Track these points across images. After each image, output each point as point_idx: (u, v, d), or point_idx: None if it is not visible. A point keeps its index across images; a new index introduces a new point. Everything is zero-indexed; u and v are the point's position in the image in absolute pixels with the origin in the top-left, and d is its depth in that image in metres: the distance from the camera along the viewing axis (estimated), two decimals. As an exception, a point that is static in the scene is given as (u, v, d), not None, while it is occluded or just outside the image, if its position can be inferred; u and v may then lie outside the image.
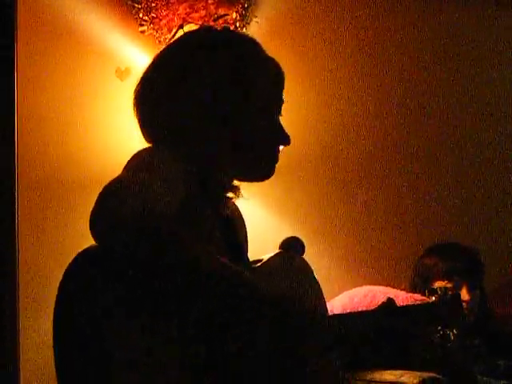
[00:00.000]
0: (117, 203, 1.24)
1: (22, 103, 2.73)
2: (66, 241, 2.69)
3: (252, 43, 1.57)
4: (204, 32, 1.66)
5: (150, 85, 1.53)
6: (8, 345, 2.62)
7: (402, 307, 1.69)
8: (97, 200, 1.26)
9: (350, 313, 1.63)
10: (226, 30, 1.66)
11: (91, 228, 1.25)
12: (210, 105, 1.48)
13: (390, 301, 1.65)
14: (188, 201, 1.36)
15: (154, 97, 1.52)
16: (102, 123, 2.85)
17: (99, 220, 1.25)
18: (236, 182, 1.59)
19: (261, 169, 1.57)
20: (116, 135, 2.82)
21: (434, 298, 1.76)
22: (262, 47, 1.57)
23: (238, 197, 1.59)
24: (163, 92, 1.50)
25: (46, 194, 2.75)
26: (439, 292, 1.75)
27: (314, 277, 1.59)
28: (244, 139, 1.52)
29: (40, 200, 2.74)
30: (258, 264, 1.52)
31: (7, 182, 2.67)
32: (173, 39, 2.81)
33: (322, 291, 1.59)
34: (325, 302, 1.60)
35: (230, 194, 1.59)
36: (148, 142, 1.54)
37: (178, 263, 1.24)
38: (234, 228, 1.60)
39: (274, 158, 1.57)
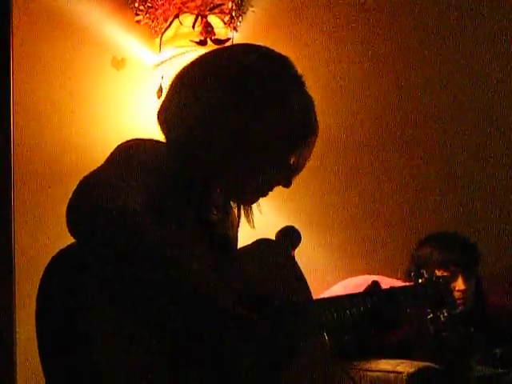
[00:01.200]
0: (93, 196, 1.26)
1: (18, 93, 2.72)
2: (62, 232, 2.67)
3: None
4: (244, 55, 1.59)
5: (179, 89, 1.54)
6: (4, 338, 2.62)
7: (388, 290, 1.69)
8: (74, 191, 1.28)
9: (335, 296, 1.62)
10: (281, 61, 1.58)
11: (66, 217, 1.27)
12: (224, 120, 1.47)
13: (375, 283, 1.65)
14: (162, 196, 1.37)
15: (182, 99, 1.52)
16: (97, 113, 2.84)
17: (74, 212, 1.29)
18: None
19: (243, 195, 1.57)
20: (112, 124, 2.82)
21: (420, 281, 1.76)
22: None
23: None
24: (189, 97, 1.50)
25: (43, 184, 2.74)
26: (426, 275, 1.75)
27: (293, 259, 1.59)
28: (240, 167, 1.51)
29: (36, 191, 2.73)
30: (238, 253, 1.54)
31: (3, 172, 2.66)
32: (168, 28, 2.80)
33: (302, 274, 1.59)
34: (306, 284, 1.59)
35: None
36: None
37: (143, 258, 1.26)
38: (220, 229, 1.60)
39: (257, 193, 1.57)
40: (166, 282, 1.27)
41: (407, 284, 1.87)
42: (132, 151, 1.43)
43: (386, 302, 1.64)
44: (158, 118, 1.55)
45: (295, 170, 1.59)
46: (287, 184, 1.59)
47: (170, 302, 1.28)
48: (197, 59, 1.57)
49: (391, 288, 1.71)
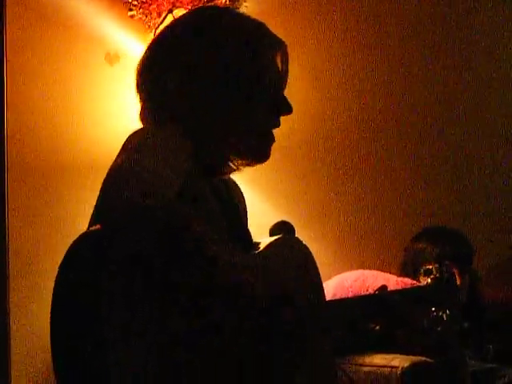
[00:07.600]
0: (121, 193, 1.21)
1: (12, 89, 2.71)
2: (57, 229, 2.68)
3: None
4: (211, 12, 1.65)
5: (157, 63, 1.52)
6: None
7: (398, 291, 1.69)
8: (101, 190, 1.23)
9: (345, 298, 1.63)
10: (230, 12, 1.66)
11: (100, 220, 1.22)
12: (214, 84, 1.48)
13: (384, 288, 1.65)
14: (190, 180, 1.35)
15: (162, 76, 1.50)
16: (91, 108, 2.84)
17: (106, 212, 1.22)
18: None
19: (257, 150, 1.55)
20: (106, 120, 2.81)
21: (429, 280, 1.76)
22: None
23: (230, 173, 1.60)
24: (172, 70, 1.49)
25: (37, 181, 2.73)
26: (434, 272, 1.75)
27: (315, 262, 1.59)
28: (246, 118, 1.50)
29: (30, 188, 2.72)
30: (260, 248, 1.51)
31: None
32: (162, 23, 2.80)
33: (320, 275, 1.59)
34: (323, 287, 1.60)
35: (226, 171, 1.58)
36: (147, 121, 1.52)
37: (187, 249, 1.22)
38: (234, 207, 1.58)
39: (269, 137, 1.55)
40: (203, 278, 1.23)
41: (416, 284, 1.87)
42: (150, 137, 1.38)
43: (396, 303, 1.64)
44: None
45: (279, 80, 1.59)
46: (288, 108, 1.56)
47: (203, 299, 1.24)
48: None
49: (402, 289, 1.71)
